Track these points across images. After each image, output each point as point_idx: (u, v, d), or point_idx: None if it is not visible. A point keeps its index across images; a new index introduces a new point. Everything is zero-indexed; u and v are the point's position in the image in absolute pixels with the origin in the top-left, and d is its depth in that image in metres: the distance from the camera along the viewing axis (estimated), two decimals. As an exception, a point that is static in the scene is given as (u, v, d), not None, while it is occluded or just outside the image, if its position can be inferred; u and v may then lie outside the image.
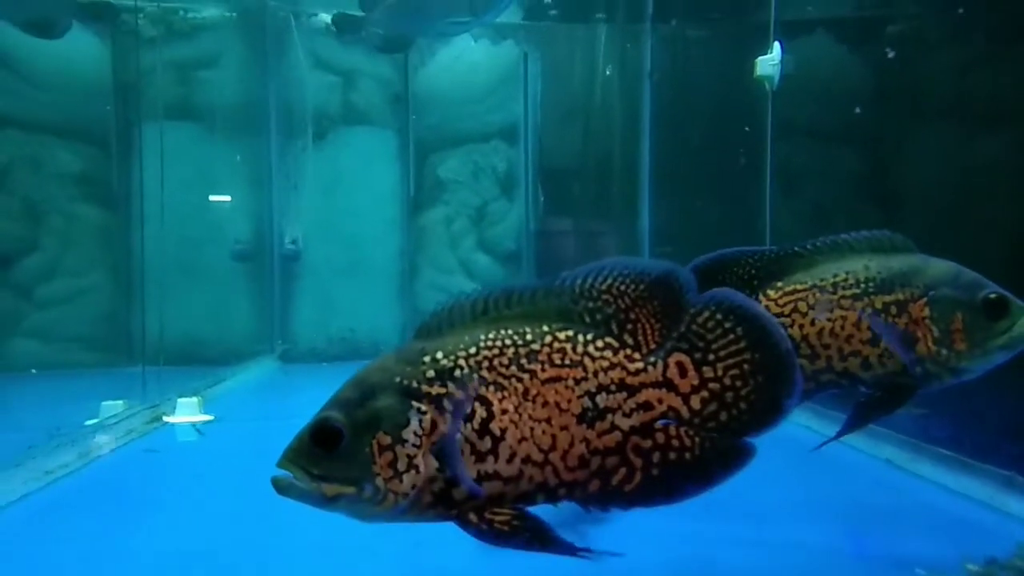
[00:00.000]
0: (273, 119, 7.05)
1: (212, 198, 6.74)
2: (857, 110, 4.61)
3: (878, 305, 1.93)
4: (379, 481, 1.39)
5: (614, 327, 1.52)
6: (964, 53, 3.64)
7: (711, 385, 1.51)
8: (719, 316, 1.52)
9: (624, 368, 1.50)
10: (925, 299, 1.92)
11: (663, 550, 2.30)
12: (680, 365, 1.51)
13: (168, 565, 2.32)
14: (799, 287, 1.99)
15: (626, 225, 7.30)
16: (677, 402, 1.50)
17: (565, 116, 7.44)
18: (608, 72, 7.38)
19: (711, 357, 1.51)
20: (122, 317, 6.53)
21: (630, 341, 1.52)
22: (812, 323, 1.97)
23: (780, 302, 1.99)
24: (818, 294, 1.97)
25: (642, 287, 1.53)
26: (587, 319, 1.52)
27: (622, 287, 1.53)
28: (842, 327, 1.95)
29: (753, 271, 2.02)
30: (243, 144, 7.06)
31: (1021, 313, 1.88)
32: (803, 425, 3.57)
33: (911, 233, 2.06)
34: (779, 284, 2.00)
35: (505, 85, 7.24)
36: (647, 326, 1.53)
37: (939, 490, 2.94)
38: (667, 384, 1.51)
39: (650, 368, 1.51)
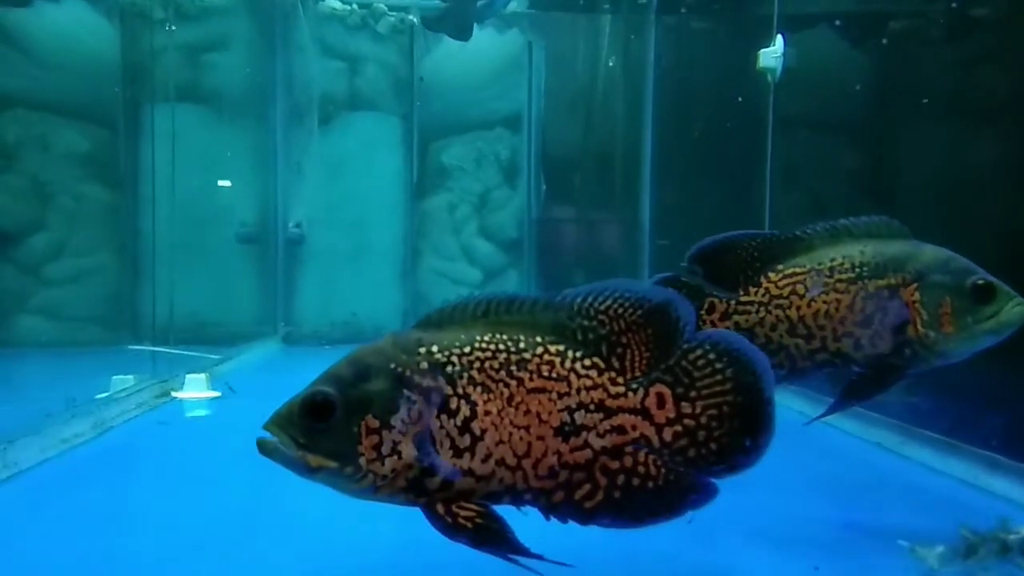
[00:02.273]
0: (279, 103, 7.10)
1: (220, 183, 6.82)
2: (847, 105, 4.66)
3: (871, 289, 2.03)
4: (362, 461, 1.45)
5: (604, 349, 1.56)
6: (966, 49, 3.69)
7: (686, 421, 1.56)
8: (712, 356, 1.57)
9: (605, 390, 1.55)
10: (916, 284, 2.01)
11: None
12: (660, 396, 1.56)
13: (180, 529, 2.41)
14: (798, 270, 2.09)
15: (627, 215, 7.38)
16: (650, 431, 1.55)
17: (568, 105, 7.50)
18: (611, 63, 7.44)
19: (692, 394, 1.56)
20: (127, 297, 6.60)
21: (616, 364, 1.56)
22: (809, 305, 2.07)
23: (779, 284, 2.09)
24: (815, 277, 2.06)
25: (639, 313, 1.57)
26: (579, 337, 1.56)
27: (619, 310, 1.57)
28: (836, 309, 2.05)
29: (756, 254, 2.11)
30: (249, 127, 7.12)
31: (1008, 299, 1.97)
32: (796, 410, 3.66)
33: (909, 227, 2.15)
34: (779, 267, 2.10)
35: (509, 73, 7.30)
36: (636, 352, 1.57)
37: (926, 471, 3.04)
38: (643, 412, 1.55)
39: (630, 394, 1.55)
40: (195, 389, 4.45)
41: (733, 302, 2.12)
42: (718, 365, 1.56)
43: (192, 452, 3.42)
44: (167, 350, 5.78)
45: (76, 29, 6.51)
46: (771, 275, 2.10)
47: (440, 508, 1.51)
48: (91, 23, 6.58)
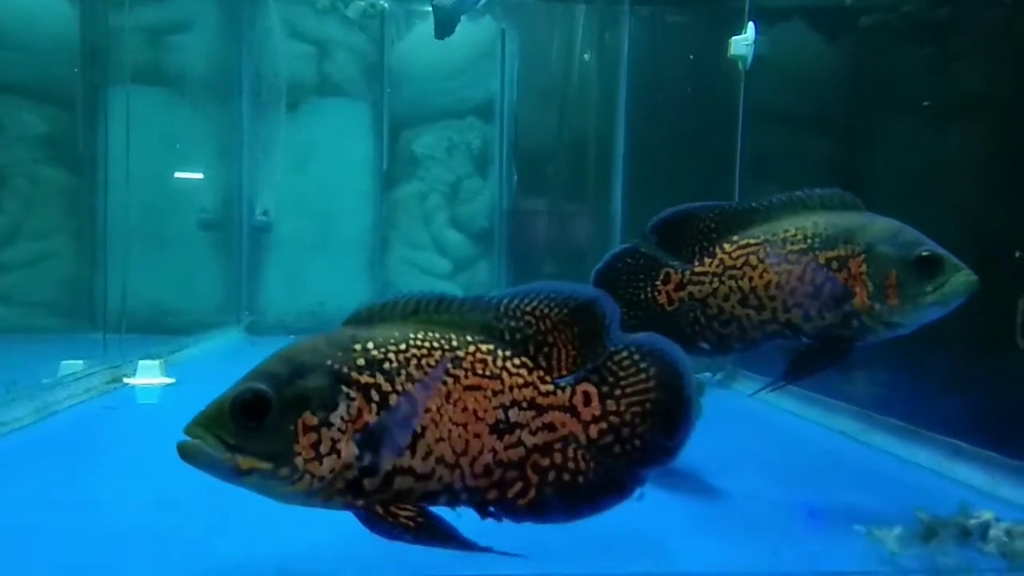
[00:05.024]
0: (245, 87, 6.95)
1: (180, 174, 6.66)
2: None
3: (822, 260, 2.02)
4: (299, 461, 1.40)
5: (531, 348, 1.58)
6: (939, 41, 3.69)
7: (611, 418, 1.58)
8: (636, 356, 1.60)
9: (536, 388, 1.57)
10: (863, 255, 1.99)
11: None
12: (586, 394, 1.58)
13: (125, 512, 2.32)
14: (752, 241, 2.07)
15: (599, 207, 7.33)
16: (578, 428, 1.57)
17: (541, 95, 7.43)
18: (587, 56, 7.38)
19: (617, 392, 1.59)
20: (85, 283, 6.43)
21: (543, 363, 1.58)
22: (760, 276, 2.04)
23: (733, 255, 2.08)
24: (768, 248, 2.03)
25: (565, 312, 1.59)
26: (507, 336, 1.58)
27: (545, 310, 1.59)
28: (787, 280, 2.03)
29: (713, 225, 2.11)
30: (213, 112, 6.96)
31: (955, 271, 1.96)
32: (762, 400, 3.63)
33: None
34: (734, 238, 2.08)
35: (482, 61, 7.21)
36: (562, 351, 1.59)
37: (889, 458, 3.02)
38: (571, 410, 1.58)
39: (558, 392, 1.58)
40: (148, 375, 4.33)
41: (688, 272, 2.10)
42: (643, 365, 1.59)
43: (139, 438, 3.30)
44: (130, 336, 5.61)
45: (33, 8, 6.32)
46: (726, 246, 2.08)
47: (379, 509, 1.47)
48: (49, 2, 6.39)
